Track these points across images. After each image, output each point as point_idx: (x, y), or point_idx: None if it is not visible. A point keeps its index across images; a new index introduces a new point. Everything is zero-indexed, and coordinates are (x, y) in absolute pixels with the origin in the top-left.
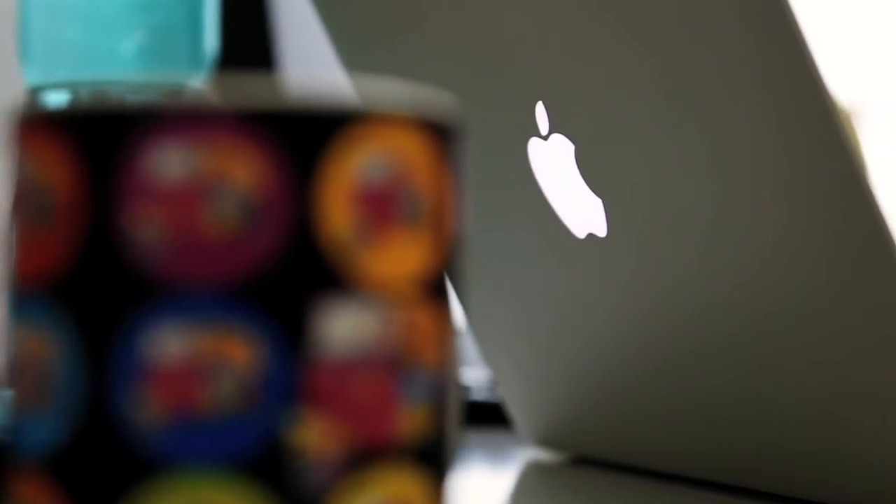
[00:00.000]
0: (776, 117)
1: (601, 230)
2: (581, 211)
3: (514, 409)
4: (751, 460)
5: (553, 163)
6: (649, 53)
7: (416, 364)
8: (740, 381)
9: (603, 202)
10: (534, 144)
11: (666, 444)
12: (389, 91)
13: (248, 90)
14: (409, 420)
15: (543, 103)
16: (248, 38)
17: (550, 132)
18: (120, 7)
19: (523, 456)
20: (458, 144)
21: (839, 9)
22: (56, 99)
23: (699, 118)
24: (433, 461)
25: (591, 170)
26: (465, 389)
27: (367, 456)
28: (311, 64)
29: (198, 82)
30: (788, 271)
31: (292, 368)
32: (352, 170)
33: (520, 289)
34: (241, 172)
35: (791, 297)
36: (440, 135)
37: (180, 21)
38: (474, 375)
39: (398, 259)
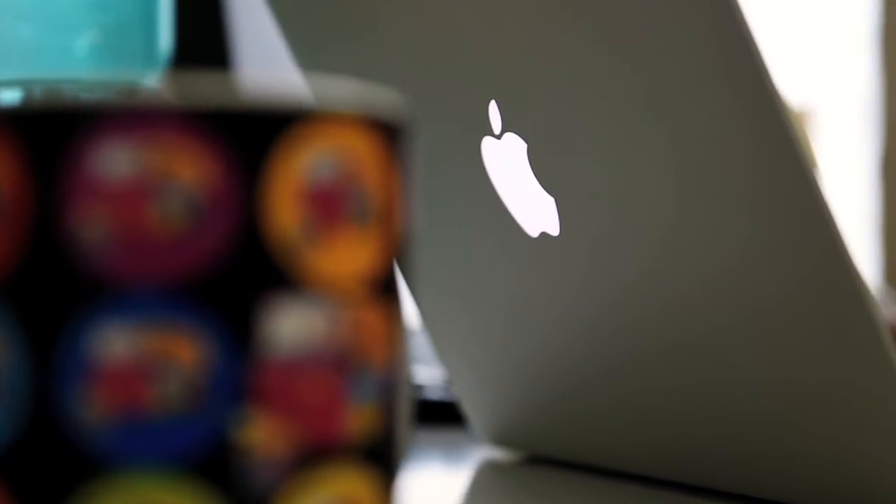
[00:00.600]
0: (728, 118)
1: (554, 229)
2: (534, 210)
3: (469, 408)
4: (704, 459)
5: (506, 162)
6: (601, 54)
7: (364, 363)
8: (693, 381)
9: (555, 201)
10: (487, 143)
11: (620, 444)
12: (338, 90)
13: (198, 89)
14: (357, 419)
15: (496, 102)
16: (204, 36)
17: (503, 131)
18: (73, 5)
19: (478, 455)
20: (406, 143)
21: (792, 12)
22: (8, 97)
23: (651, 119)
24: (382, 460)
25: (544, 169)
26: (415, 388)
27: (314, 455)
28: (266, 63)
29: (152, 81)
30: (740, 271)
31: (239, 368)
32: (299, 169)
33: (474, 288)
34: (188, 171)
35: (743, 297)
36: (389, 133)
37: (134, 19)
38: (429, 374)
39: (346, 258)
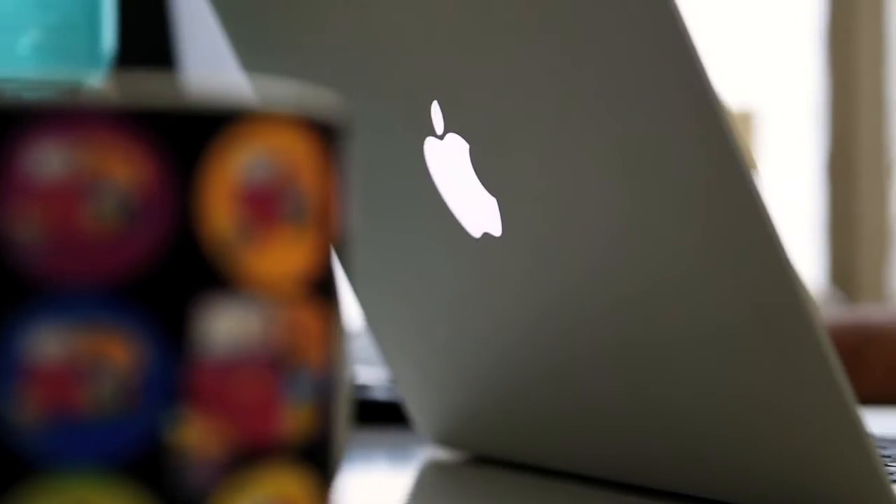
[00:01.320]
0: (665, 118)
1: (496, 230)
2: (476, 210)
3: (413, 409)
4: (645, 459)
5: (448, 162)
6: (543, 55)
7: (300, 363)
8: (634, 381)
9: (498, 202)
10: (429, 144)
11: (563, 444)
12: (274, 90)
13: (136, 89)
14: (292, 419)
15: (438, 103)
16: (148, 36)
17: (446, 132)
18: (17, 5)
19: (423, 455)
20: (343, 144)
21: (739, 13)
22: None
23: (591, 120)
24: (318, 460)
25: (486, 169)
26: (359, 388)
27: (249, 456)
28: (212, 64)
29: (95, 80)
30: (680, 273)
31: (173, 368)
32: (234, 169)
33: (417, 288)
34: (122, 171)
35: (684, 300)
36: (325, 134)
37: (78, 19)
38: (374, 375)
39: (282, 258)
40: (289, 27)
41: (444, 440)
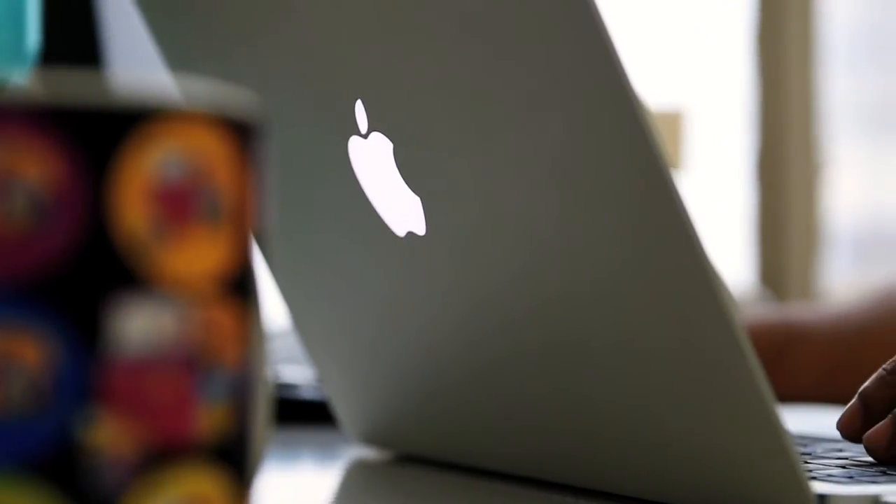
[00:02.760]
0: (585, 118)
1: (420, 229)
2: (400, 209)
3: (340, 408)
4: (567, 457)
5: (373, 161)
6: (464, 54)
7: (214, 362)
8: (557, 381)
9: (421, 200)
10: (354, 143)
11: (488, 443)
12: (188, 89)
13: (56, 86)
14: (207, 419)
15: (362, 102)
16: (75, 34)
17: (369, 131)
18: None
19: (350, 454)
20: (258, 142)
21: (669, 13)
22: None
23: (512, 119)
24: (234, 460)
25: (410, 168)
26: (272, 387)
27: (163, 456)
28: (139, 62)
29: (19, 78)
30: (602, 273)
31: (85, 368)
32: (148, 167)
33: (342, 287)
34: (33, 169)
35: (604, 298)
36: (240, 132)
37: (1, 17)
38: (301, 374)
39: (196, 257)
40: (214, 27)
41: (371, 439)
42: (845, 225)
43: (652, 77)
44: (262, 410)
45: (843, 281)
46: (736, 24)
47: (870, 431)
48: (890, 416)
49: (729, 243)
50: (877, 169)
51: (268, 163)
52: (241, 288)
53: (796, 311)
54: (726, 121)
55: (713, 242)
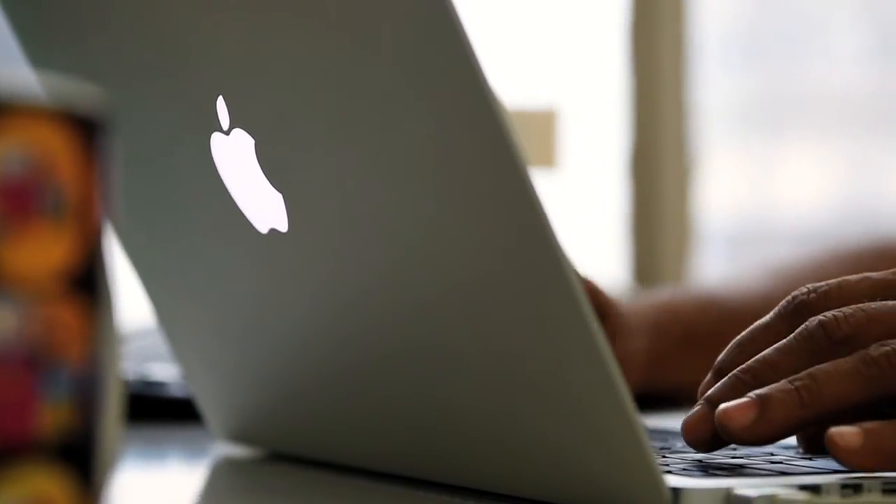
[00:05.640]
0: (443, 116)
1: (283, 225)
2: (263, 206)
3: (206, 406)
4: (431, 454)
5: (235, 157)
6: (324, 51)
7: (57, 360)
8: (419, 379)
9: (283, 197)
10: (216, 139)
11: (353, 440)
12: (31, 84)
13: None
14: (49, 418)
15: (224, 98)
16: None
17: (231, 127)
18: None
19: (216, 452)
20: (105, 138)
21: (542, 10)
22: None
23: (371, 117)
24: (79, 459)
25: (272, 165)
26: (125, 384)
27: (3, 454)
28: (4, 59)
29: None
30: (462, 273)
31: None
32: None
33: (208, 285)
34: None
35: (464, 298)
36: (84, 128)
37: None
38: (169, 371)
39: (39, 254)
40: (74, 22)
41: (237, 437)
42: (718, 223)
43: (525, 75)
44: (113, 408)
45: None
46: (609, 23)
47: (687, 417)
48: (703, 401)
49: (603, 241)
50: (749, 167)
51: (116, 158)
52: (87, 285)
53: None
54: (600, 119)
55: (587, 240)
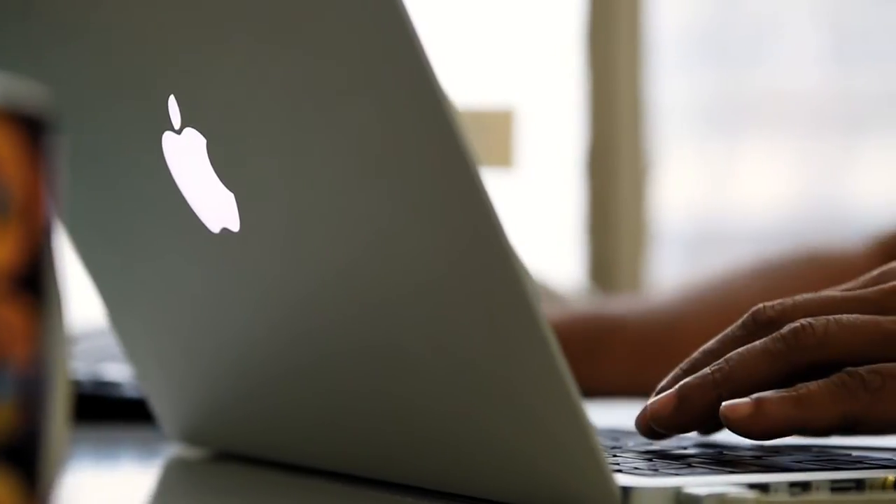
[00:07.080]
0: (393, 117)
1: (234, 225)
2: (215, 205)
3: (158, 406)
4: (384, 454)
5: (186, 157)
6: (274, 51)
7: (1, 360)
8: (371, 379)
9: (235, 197)
10: (167, 138)
11: (305, 440)
12: None
13: None
14: None
15: (175, 97)
16: None
17: (183, 126)
18: None
19: (168, 452)
20: (50, 136)
21: (494, 13)
22: None
23: (322, 117)
24: (22, 460)
25: (223, 164)
26: (71, 385)
27: None
28: None
29: None
30: (413, 272)
31: None
32: None
33: (159, 284)
34: None
35: (416, 298)
36: (29, 126)
37: None
38: (122, 372)
39: None
40: (23, 21)
41: (190, 438)
42: (675, 223)
43: (482, 75)
44: (61, 409)
45: (672, 279)
46: (566, 23)
47: (654, 400)
48: (678, 387)
49: (559, 240)
50: (706, 168)
51: (62, 158)
52: (32, 285)
53: (612, 304)
54: (557, 119)
55: (544, 240)
